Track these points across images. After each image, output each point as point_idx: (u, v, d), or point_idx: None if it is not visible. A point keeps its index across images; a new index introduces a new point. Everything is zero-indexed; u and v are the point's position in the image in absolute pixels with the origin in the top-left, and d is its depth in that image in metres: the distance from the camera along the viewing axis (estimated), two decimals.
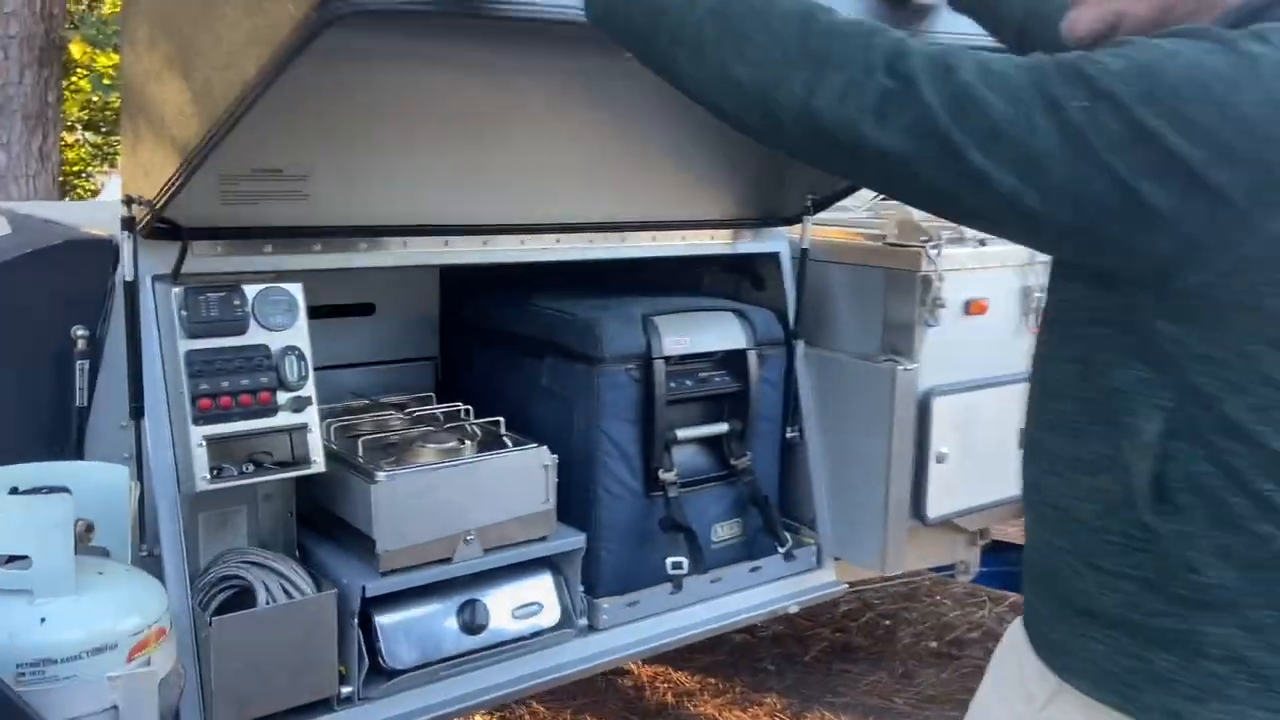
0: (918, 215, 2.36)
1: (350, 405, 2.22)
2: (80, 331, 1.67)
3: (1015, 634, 1.17)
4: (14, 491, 1.48)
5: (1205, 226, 0.82)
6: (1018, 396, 1.18)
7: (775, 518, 2.35)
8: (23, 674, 1.35)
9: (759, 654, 3.17)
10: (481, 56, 1.91)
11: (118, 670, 1.41)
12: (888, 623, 3.41)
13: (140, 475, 1.63)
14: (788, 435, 2.45)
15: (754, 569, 2.33)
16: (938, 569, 2.84)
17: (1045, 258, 1.06)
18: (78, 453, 1.68)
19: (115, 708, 1.42)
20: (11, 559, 1.41)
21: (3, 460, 1.50)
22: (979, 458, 2.41)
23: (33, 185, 5.28)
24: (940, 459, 2.38)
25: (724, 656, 3.13)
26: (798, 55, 0.90)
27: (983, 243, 2.41)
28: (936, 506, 2.39)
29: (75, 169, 7.30)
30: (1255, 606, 0.90)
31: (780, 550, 2.35)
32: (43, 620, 1.37)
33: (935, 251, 2.29)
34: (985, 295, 2.42)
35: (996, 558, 2.80)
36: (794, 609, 2.37)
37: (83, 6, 6.25)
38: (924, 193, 0.90)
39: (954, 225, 2.26)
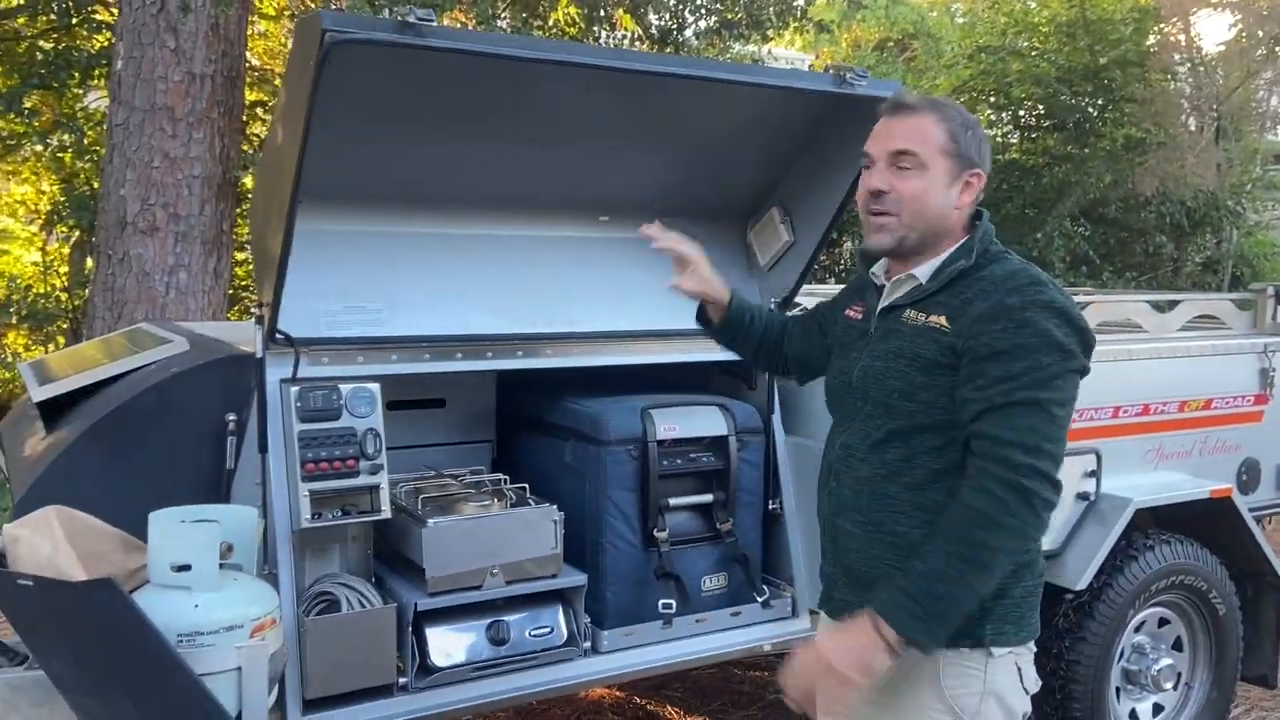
0: None
1: (422, 475, 2.92)
2: (231, 417, 2.42)
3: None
4: (183, 521, 2.21)
5: None
6: None
7: (754, 573, 2.91)
8: (180, 641, 2.02)
9: None
10: (517, 228, 2.69)
11: (242, 643, 2.09)
12: None
13: (265, 515, 2.36)
14: (770, 507, 3.01)
15: (735, 614, 2.88)
16: None
17: None
18: (226, 499, 2.42)
19: (239, 668, 2.09)
20: (180, 567, 2.12)
21: (179, 502, 2.24)
22: None
23: (208, 299, 6.32)
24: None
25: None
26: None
27: None
28: None
29: (244, 283, 8.51)
30: None
31: (758, 600, 2.90)
32: (196, 606, 2.06)
33: None
34: None
35: None
36: (768, 648, 2.90)
37: (253, 150, 7.40)
38: None
39: None
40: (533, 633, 2.57)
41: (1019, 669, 1.78)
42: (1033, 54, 10.82)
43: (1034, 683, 1.82)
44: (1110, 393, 3.19)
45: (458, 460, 3.10)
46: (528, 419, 3.10)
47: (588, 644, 2.67)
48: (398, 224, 2.76)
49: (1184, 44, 11.16)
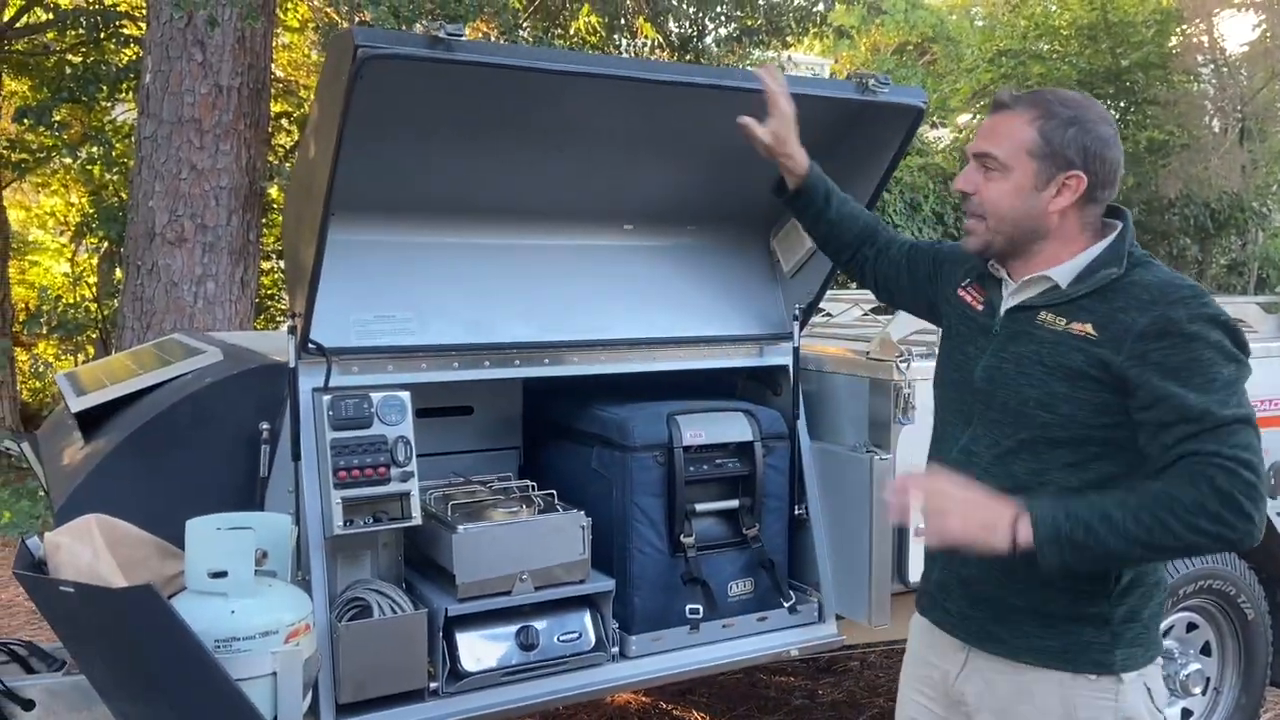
0: (895, 335, 2.95)
1: (450, 481, 2.95)
2: (265, 425, 2.46)
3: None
4: (219, 529, 2.25)
5: None
6: None
7: (780, 578, 2.92)
8: (218, 646, 2.06)
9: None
10: (543, 238, 2.73)
11: (278, 649, 2.12)
12: None
13: (298, 522, 2.40)
14: (796, 512, 3.02)
15: (761, 618, 2.89)
16: None
17: None
18: (260, 507, 2.46)
19: (275, 673, 2.13)
20: (216, 574, 2.16)
21: (214, 510, 2.28)
22: None
23: (235, 308, 6.40)
24: (919, 531, 2.89)
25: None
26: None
27: None
28: (917, 571, 2.89)
29: (270, 292, 8.61)
30: None
31: (785, 605, 2.91)
32: (232, 612, 2.09)
33: (905, 365, 2.86)
34: None
35: None
36: (794, 653, 2.91)
37: (278, 161, 7.49)
38: None
39: (929, 343, 2.86)
40: (561, 638, 2.60)
41: (1148, 689, 1.74)
42: (1053, 57, 10.79)
43: (1164, 697, 1.79)
44: None
45: (485, 467, 3.13)
46: (554, 426, 3.12)
47: (616, 649, 2.69)
48: (426, 234, 2.80)
49: (1207, 45, 11.09)
